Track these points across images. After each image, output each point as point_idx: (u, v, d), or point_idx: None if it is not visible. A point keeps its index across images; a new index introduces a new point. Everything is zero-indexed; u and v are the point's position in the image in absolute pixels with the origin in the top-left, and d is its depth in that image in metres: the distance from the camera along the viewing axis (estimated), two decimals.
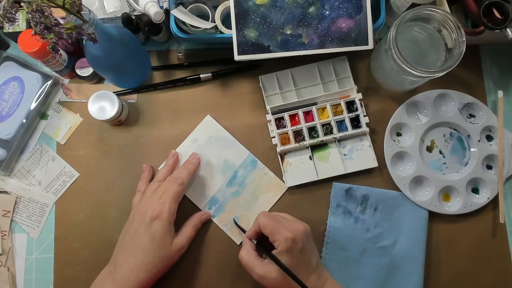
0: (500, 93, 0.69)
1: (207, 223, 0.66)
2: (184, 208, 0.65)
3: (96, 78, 0.69)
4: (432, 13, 0.59)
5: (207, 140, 0.68)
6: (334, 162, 0.66)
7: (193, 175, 0.65)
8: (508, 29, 0.59)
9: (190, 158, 0.66)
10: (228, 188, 0.66)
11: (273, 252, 0.54)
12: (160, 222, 0.56)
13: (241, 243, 0.65)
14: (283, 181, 0.66)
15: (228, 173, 0.67)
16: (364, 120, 0.66)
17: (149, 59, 0.70)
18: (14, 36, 0.66)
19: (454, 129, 0.68)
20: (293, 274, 0.51)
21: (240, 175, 0.67)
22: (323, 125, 0.67)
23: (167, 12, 0.64)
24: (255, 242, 0.57)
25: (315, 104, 0.67)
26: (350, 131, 0.66)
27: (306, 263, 0.55)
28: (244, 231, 0.62)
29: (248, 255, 0.55)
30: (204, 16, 0.66)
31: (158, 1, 0.62)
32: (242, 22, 0.61)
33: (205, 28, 0.63)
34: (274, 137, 0.66)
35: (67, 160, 0.67)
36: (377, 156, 0.66)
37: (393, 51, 0.58)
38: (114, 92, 0.64)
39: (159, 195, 0.59)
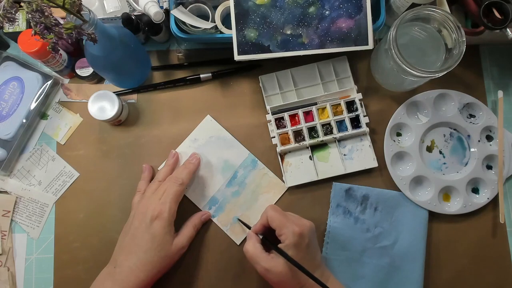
0: (500, 93, 0.69)
1: (207, 223, 0.66)
2: (184, 208, 0.65)
3: (96, 78, 0.69)
4: (432, 13, 0.59)
5: (207, 140, 0.68)
6: (334, 162, 0.66)
7: (193, 175, 0.65)
8: (508, 29, 0.59)
9: (190, 158, 0.66)
10: (228, 188, 0.66)
11: (280, 245, 0.54)
12: (160, 222, 0.56)
13: (241, 243, 0.65)
14: (283, 181, 0.66)
15: (228, 173, 0.67)
16: (364, 120, 0.66)
17: (149, 59, 0.70)
18: (14, 36, 0.66)
19: (454, 129, 0.68)
20: (301, 266, 0.51)
21: (240, 175, 0.67)
22: (323, 125, 0.67)
23: (167, 12, 0.64)
24: (261, 236, 0.57)
25: (315, 104, 0.67)
26: (350, 131, 0.66)
27: (311, 259, 0.55)
28: (248, 227, 0.61)
29: (254, 248, 0.55)
30: (204, 16, 0.66)
31: (158, 1, 0.62)
32: (242, 22, 0.61)
33: (205, 28, 0.63)
34: (274, 137, 0.66)
35: (67, 160, 0.67)
36: (377, 156, 0.66)
37: (393, 51, 0.58)
38: (114, 92, 0.64)
39: (159, 195, 0.59)
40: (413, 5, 0.62)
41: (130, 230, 0.58)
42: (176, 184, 0.59)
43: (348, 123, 0.66)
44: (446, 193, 0.67)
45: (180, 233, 0.60)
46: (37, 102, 0.67)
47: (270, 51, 0.62)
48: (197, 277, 0.64)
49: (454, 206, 0.66)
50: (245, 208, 0.66)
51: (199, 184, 0.66)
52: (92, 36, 0.51)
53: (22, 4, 0.46)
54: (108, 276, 0.56)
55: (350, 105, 0.67)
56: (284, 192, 0.66)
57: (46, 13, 0.46)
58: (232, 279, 0.64)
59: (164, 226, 0.56)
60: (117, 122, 0.67)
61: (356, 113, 0.67)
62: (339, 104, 0.67)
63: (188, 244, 0.61)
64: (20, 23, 0.66)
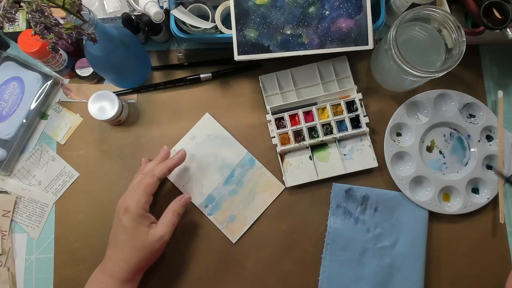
0: (500, 93, 0.68)
1: (203, 221, 0.65)
2: None
3: (96, 78, 0.69)
4: (432, 13, 0.59)
5: (206, 138, 0.68)
6: (334, 162, 0.66)
7: (169, 171, 0.62)
8: (508, 29, 0.59)
9: (175, 155, 0.64)
10: (225, 187, 0.66)
11: None
12: (128, 215, 0.57)
13: (236, 241, 0.65)
14: (283, 181, 0.66)
15: (226, 172, 0.67)
16: (364, 120, 0.66)
17: (149, 59, 0.70)
18: (14, 36, 0.66)
19: (454, 129, 0.68)
20: None
21: (238, 174, 0.67)
22: (323, 125, 0.67)
23: (167, 12, 0.64)
24: None
25: (315, 104, 0.67)
26: (350, 131, 0.66)
27: None
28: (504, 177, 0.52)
29: None
30: (204, 16, 0.66)
31: (158, 1, 0.62)
32: (242, 22, 0.61)
33: (205, 28, 0.63)
34: (274, 137, 0.66)
35: (67, 160, 0.67)
36: (377, 156, 0.66)
37: (393, 51, 0.58)
38: (114, 92, 0.64)
39: (134, 189, 0.59)
40: (413, 5, 0.62)
41: (112, 224, 0.59)
42: (148, 176, 0.59)
43: (348, 123, 0.66)
44: (446, 193, 0.67)
45: (159, 222, 0.59)
46: (37, 102, 0.67)
47: (270, 51, 0.62)
48: (194, 275, 0.64)
49: (454, 206, 0.66)
50: (241, 207, 0.66)
51: (196, 182, 0.66)
52: (92, 36, 0.51)
53: (22, 4, 0.46)
54: (100, 268, 0.59)
55: (350, 105, 0.67)
56: (283, 192, 0.66)
57: (46, 13, 0.46)
58: (229, 278, 0.64)
59: (133, 219, 0.57)
60: (117, 122, 0.67)
61: (356, 113, 0.66)
62: (339, 104, 0.67)
63: (169, 232, 0.59)
64: (20, 23, 0.66)
